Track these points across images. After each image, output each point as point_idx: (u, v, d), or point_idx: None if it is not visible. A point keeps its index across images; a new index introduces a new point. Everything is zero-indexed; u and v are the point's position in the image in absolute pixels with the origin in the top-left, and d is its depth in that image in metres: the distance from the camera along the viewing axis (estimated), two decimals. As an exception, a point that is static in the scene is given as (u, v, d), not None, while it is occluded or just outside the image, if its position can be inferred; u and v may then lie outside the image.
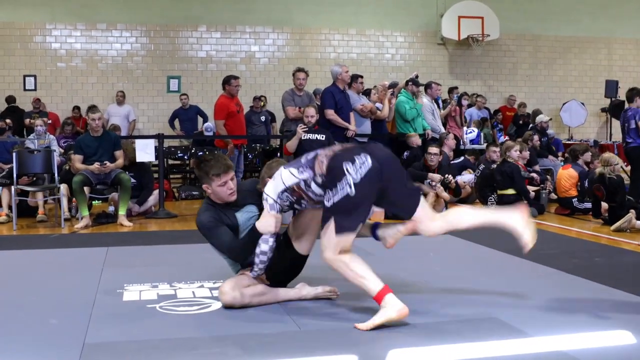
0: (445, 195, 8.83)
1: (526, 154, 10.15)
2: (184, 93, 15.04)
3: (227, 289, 4.15)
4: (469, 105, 14.69)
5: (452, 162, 10.79)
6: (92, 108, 9.29)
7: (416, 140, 10.57)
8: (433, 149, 8.97)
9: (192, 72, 15.70)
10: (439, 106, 12.23)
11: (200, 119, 14.95)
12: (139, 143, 9.37)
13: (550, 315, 4.10)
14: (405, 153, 10.49)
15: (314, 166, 3.94)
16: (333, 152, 3.95)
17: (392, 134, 10.99)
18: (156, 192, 9.51)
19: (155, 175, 9.96)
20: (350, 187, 3.76)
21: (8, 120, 10.81)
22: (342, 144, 4.23)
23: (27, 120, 13.34)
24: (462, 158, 11.36)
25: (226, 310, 4.17)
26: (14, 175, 8.71)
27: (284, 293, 4.37)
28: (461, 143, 12.36)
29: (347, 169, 3.78)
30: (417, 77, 11.75)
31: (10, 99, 14.32)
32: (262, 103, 14.50)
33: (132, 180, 9.00)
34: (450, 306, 4.30)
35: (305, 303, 4.36)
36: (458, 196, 9.45)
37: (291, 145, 9.07)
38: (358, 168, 3.80)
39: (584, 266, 5.63)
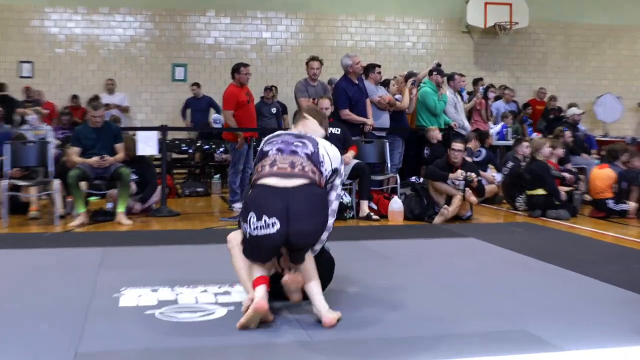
0: (474, 199, 8.72)
1: (560, 151, 10.03)
2: (196, 82, 14.98)
3: None
4: (496, 98, 14.57)
5: (475, 158, 10.67)
6: (95, 102, 9.19)
7: (436, 135, 10.47)
8: (457, 145, 8.86)
9: (200, 60, 15.68)
10: (462, 99, 12.13)
11: (212, 111, 14.87)
12: (140, 135, 9.34)
13: (583, 327, 4.01)
14: (425, 151, 10.39)
15: None
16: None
17: (412, 128, 10.90)
18: (159, 187, 9.46)
19: (158, 170, 9.92)
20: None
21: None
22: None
23: (19, 110, 13.30)
24: (483, 152, 11.18)
25: (231, 318, 4.10)
26: (4, 168, 8.66)
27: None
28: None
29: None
30: (439, 65, 11.63)
31: (1, 87, 14.30)
32: (273, 93, 14.46)
33: (134, 176, 8.96)
34: (474, 316, 4.22)
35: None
36: (482, 196, 9.34)
37: (304, 139, 8.99)
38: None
39: (620, 274, 5.52)
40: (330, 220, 4.11)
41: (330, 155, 4.20)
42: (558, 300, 4.65)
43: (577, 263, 5.86)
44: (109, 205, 9.00)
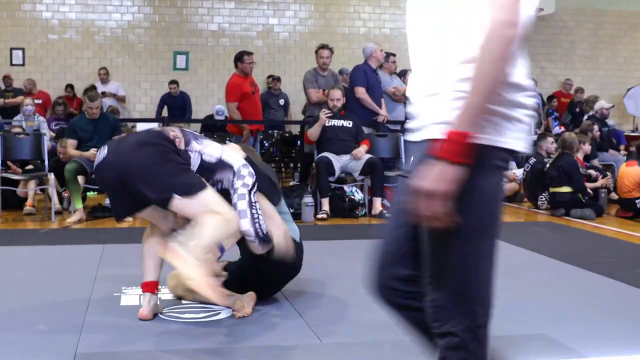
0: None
1: (587, 147, 10.08)
2: (175, 80, 14.89)
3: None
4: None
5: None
6: (92, 92, 9.26)
7: None
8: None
9: (202, 47, 15.75)
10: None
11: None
12: (140, 128, 9.44)
13: (606, 333, 4.08)
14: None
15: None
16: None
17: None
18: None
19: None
20: None
21: None
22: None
23: (0, 101, 13.39)
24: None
25: (238, 319, 4.19)
26: (-1, 162, 8.79)
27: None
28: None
29: None
30: None
31: None
32: (280, 84, 14.54)
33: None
34: (494, 320, 4.28)
35: (326, 313, 4.37)
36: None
37: (313, 132, 9.10)
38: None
39: (648, 277, 5.59)
40: (243, 222, 4.04)
41: (224, 151, 4.25)
42: (581, 304, 4.71)
43: (601, 265, 5.92)
44: (108, 201, 9.11)
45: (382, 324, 4.14)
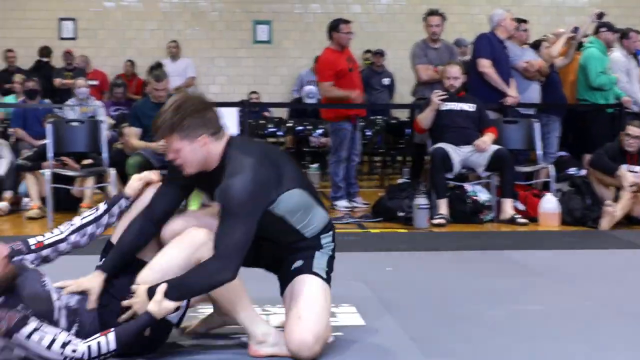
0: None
1: None
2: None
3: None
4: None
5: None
6: (157, 70, 9.40)
7: None
8: (634, 129, 8.76)
9: (288, 16, 15.89)
10: (638, 64, 11.92)
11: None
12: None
13: None
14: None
15: None
16: None
17: (572, 104, 10.79)
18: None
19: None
20: None
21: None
22: None
23: (57, 80, 13.77)
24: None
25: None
26: (50, 155, 9.03)
27: None
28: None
29: None
30: (601, 16, 11.27)
31: (44, 51, 14.81)
32: (383, 60, 14.56)
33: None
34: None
35: (440, 336, 4.39)
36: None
37: (425, 118, 9.08)
38: None
39: None
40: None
41: None
42: None
43: None
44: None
45: (512, 354, 4.15)
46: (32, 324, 3.60)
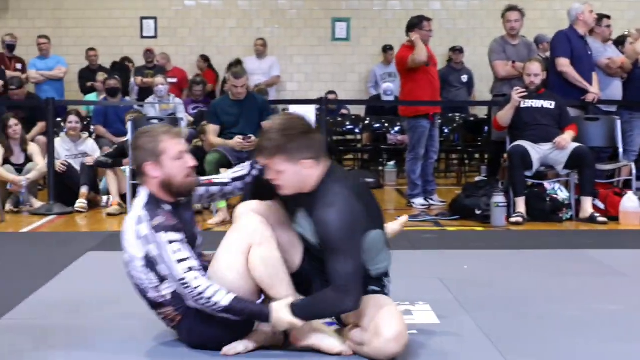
0: None
1: None
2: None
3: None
4: None
5: None
6: (237, 68, 9.43)
7: None
8: None
9: (367, 13, 15.88)
10: None
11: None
12: (293, 110, 9.60)
13: None
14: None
15: None
16: None
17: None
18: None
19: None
20: None
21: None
22: None
23: (137, 79, 13.95)
24: None
25: (413, 343, 4.23)
26: (130, 152, 9.13)
27: None
28: None
29: None
30: None
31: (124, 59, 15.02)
32: (462, 57, 14.49)
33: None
34: None
35: (518, 337, 4.35)
36: None
37: (504, 116, 9.01)
38: None
39: None
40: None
41: None
42: None
43: None
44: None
45: (592, 355, 4.10)
46: (179, 235, 3.91)
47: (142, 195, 4.05)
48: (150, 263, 3.92)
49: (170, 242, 3.86)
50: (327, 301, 3.84)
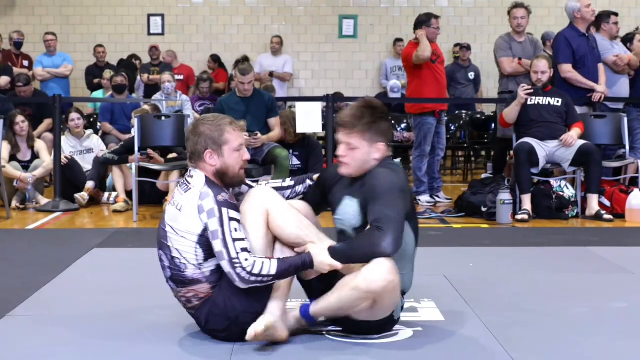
0: None
1: None
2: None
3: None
4: None
5: None
6: (243, 65, 9.41)
7: None
8: None
9: (374, 10, 15.87)
10: None
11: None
12: (300, 108, 9.58)
13: None
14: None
15: None
16: None
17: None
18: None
19: (324, 153, 10.14)
20: None
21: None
22: None
23: (144, 76, 13.95)
24: None
25: (419, 340, 4.22)
26: (135, 148, 9.14)
27: None
28: None
29: None
30: None
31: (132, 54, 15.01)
32: (469, 54, 14.47)
33: (296, 162, 9.23)
34: None
35: (524, 335, 4.34)
36: None
37: (510, 113, 9.00)
38: None
39: None
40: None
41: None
42: None
43: None
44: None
45: (599, 353, 4.09)
46: (239, 215, 4.05)
47: (199, 175, 4.13)
48: (205, 238, 4.02)
49: (231, 219, 3.98)
50: (365, 241, 3.96)
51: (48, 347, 4.16)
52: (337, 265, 3.96)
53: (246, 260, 3.90)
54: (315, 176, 4.53)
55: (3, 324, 4.61)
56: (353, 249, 4.00)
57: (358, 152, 4.09)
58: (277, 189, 4.42)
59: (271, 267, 3.92)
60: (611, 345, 4.19)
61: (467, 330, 4.45)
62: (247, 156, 4.23)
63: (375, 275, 3.88)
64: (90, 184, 9.64)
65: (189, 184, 4.12)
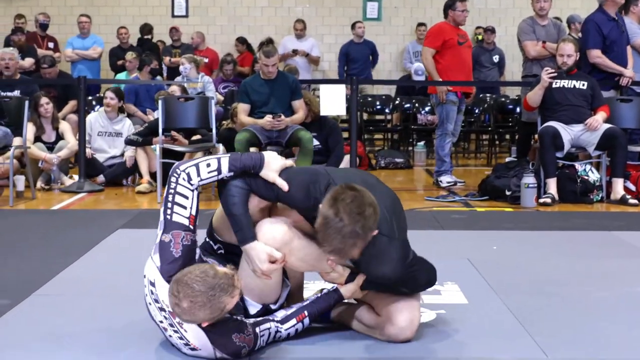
0: None
1: None
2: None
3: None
4: None
5: None
6: (267, 47, 9.40)
7: None
8: None
9: (398, -8, 15.84)
10: None
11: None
12: (324, 90, 9.58)
13: None
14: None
15: None
16: None
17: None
18: (347, 158, 9.70)
19: (345, 135, 10.14)
20: None
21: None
22: None
23: (166, 59, 13.99)
24: None
25: (440, 324, 4.23)
26: (160, 130, 9.20)
27: None
28: None
29: None
30: None
31: (144, 29, 14.98)
32: (494, 37, 14.42)
33: (316, 142, 9.25)
34: None
35: (552, 322, 4.33)
36: None
37: (534, 96, 8.96)
38: None
39: None
40: None
41: None
42: None
43: None
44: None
45: (620, 338, 4.08)
46: (250, 328, 3.78)
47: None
48: None
49: (262, 335, 3.89)
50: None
51: (73, 326, 4.20)
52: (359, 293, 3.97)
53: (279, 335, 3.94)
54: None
55: (29, 302, 4.66)
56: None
57: (357, 254, 3.70)
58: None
59: (304, 325, 3.97)
60: (635, 330, 4.18)
61: (490, 314, 4.46)
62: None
63: (408, 332, 3.90)
64: (147, 176, 9.71)
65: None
